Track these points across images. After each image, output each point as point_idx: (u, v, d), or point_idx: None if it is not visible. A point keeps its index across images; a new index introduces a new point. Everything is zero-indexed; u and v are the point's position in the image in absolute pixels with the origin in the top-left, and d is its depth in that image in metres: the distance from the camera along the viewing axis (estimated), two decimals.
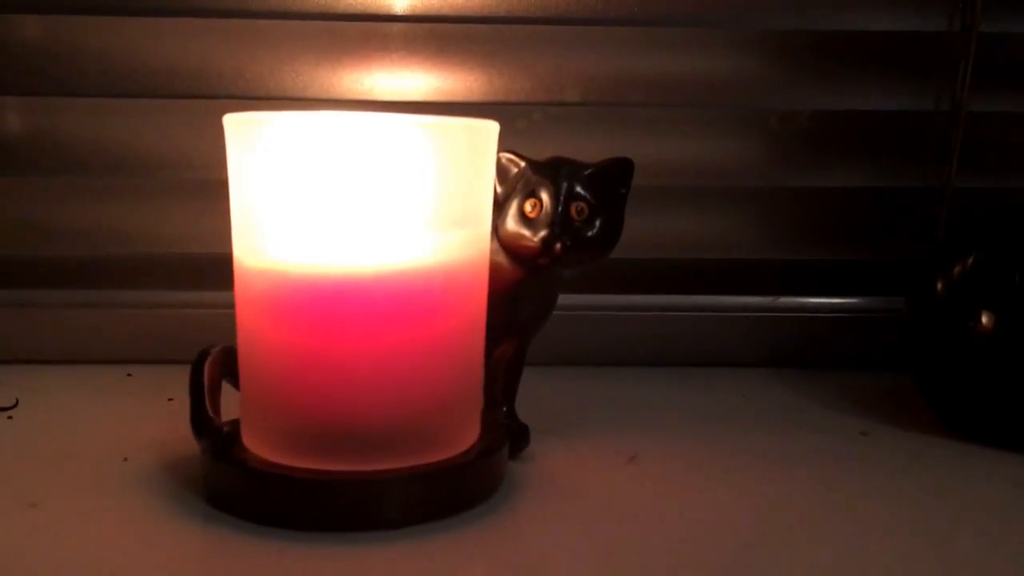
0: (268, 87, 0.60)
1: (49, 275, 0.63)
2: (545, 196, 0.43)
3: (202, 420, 0.42)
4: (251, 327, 0.40)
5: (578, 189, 0.43)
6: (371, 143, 0.37)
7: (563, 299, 0.48)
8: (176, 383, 0.46)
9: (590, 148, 0.46)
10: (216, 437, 0.42)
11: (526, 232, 0.43)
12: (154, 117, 0.61)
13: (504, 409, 0.47)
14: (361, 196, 0.38)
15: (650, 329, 0.64)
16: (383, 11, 0.60)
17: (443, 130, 0.39)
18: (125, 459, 0.45)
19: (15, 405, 0.53)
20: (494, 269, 0.43)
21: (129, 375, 0.59)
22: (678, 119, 0.64)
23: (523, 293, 0.45)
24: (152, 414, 0.52)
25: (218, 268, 0.48)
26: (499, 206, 0.44)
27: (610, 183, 0.44)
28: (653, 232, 0.63)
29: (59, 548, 0.37)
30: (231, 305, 0.42)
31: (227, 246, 0.42)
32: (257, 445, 0.40)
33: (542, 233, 0.43)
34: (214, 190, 0.46)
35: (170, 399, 0.53)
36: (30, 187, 0.62)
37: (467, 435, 0.42)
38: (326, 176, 0.37)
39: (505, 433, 0.45)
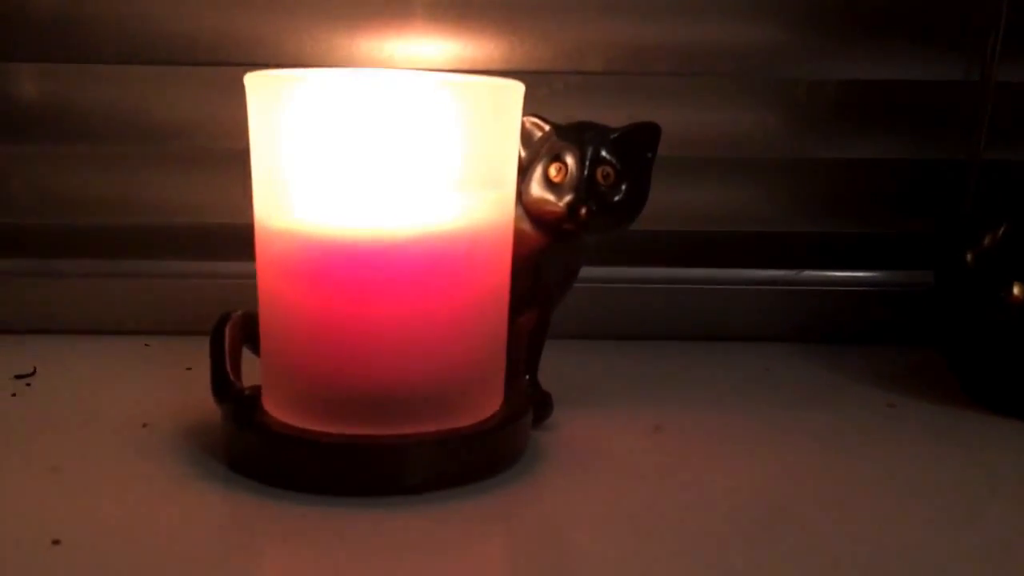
0: (287, 54, 0.59)
1: (65, 244, 0.62)
2: (570, 160, 0.42)
3: (223, 384, 0.42)
4: (273, 290, 0.40)
5: (604, 153, 0.43)
6: (398, 101, 0.37)
7: (584, 271, 0.47)
8: (194, 353, 0.45)
9: (612, 118, 0.45)
10: (237, 401, 0.41)
11: (551, 197, 0.42)
12: (172, 85, 0.60)
13: (527, 378, 0.46)
14: (387, 156, 0.37)
15: (673, 302, 0.63)
16: None
17: (470, 89, 0.38)
18: (144, 425, 0.45)
19: (33, 372, 0.52)
20: (517, 236, 0.42)
21: (147, 345, 0.59)
22: (701, 88, 0.63)
23: (546, 260, 0.45)
24: (171, 382, 0.51)
25: (236, 238, 0.47)
26: (523, 171, 0.43)
27: (636, 148, 0.43)
28: (676, 203, 0.62)
29: (80, 511, 0.37)
30: (250, 275, 0.41)
31: (246, 216, 0.41)
32: (278, 409, 0.40)
33: (567, 197, 0.42)
34: (234, 159, 0.45)
35: (189, 368, 0.53)
36: (47, 156, 0.62)
37: (490, 402, 0.42)
38: (351, 135, 0.37)
39: (528, 401, 0.44)
